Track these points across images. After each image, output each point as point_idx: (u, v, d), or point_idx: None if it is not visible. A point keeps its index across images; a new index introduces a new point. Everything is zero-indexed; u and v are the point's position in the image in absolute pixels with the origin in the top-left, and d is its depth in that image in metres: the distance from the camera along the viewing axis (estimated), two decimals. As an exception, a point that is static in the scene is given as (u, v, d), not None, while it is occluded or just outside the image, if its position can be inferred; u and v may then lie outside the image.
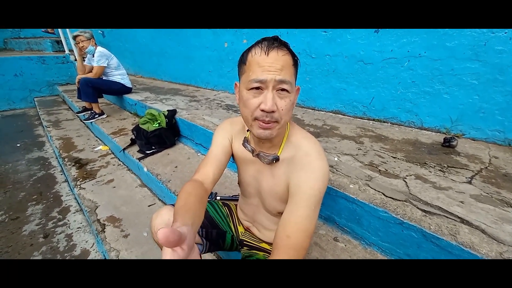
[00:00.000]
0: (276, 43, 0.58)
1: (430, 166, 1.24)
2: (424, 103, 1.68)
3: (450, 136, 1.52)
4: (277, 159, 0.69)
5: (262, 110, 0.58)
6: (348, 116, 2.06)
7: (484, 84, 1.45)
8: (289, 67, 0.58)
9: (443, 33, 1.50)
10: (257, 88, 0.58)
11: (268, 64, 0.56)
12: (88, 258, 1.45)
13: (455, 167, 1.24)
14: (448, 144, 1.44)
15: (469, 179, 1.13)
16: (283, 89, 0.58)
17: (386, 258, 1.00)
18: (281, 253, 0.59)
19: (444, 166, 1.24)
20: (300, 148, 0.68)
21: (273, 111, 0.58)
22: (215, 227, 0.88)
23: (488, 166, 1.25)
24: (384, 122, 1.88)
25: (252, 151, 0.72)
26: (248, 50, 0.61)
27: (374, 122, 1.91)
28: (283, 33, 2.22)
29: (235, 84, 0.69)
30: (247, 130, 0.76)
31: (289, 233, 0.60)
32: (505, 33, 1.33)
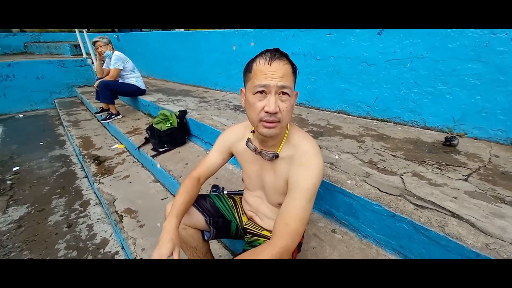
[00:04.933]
0: (277, 54, 0.67)
1: (429, 164, 1.29)
2: (427, 103, 1.71)
3: (451, 135, 1.55)
4: (276, 156, 0.78)
5: (266, 112, 0.67)
6: (352, 116, 2.11)
7: (486, 84, 1.47)
8: (289, 74, 0.67)
9: (445, 35, 1.54)
10: (261, 92, 0.67)
11: (271, 72, 0.65)
12: (106, 247, 1.59)
13: (453, 165, 1.28)
14: (449, 143, 1.48)
15: (466, 177, 1.17)
16: (284, 93, 0.67)
17: (381, 249, 1.06)
18: (279, 239, 0.68)
19: (442, 164, 1.29)
20: (299, 147, 0.76)
21: (276, 112, 0.67)
22: (221, 216, 0.98)
23: (487, 164, 1.29)
24: (387, 121, 1.92)
25: (255, 150, 0.82)
26: (253, 60, 0.70)
27: (377, 121, 1.95)
28: (289, 36, 2.30)
29: (241, 90, 0.78)
30: (251, 132, 0.86)
31: (288, 221, 0.69)
32: (506, 34, 1.35)
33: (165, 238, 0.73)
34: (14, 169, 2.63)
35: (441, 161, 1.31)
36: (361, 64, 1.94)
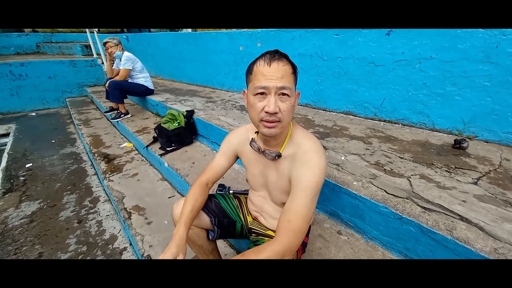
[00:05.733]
0: (277, 55, 0.68)
1: (437, 167, 1.27)
2: (436, 105, 1.69)
3: (461, 138, 1.52)
4: (279, 155, 0.79)
5: (266, 112, 0.68)
6: (359, 117, 2.10)
7: (497, 86, 1.45)
8: (288, 75, 0.68)
9: (455, 35, 1.51)
10: (262, 93, 0.68)
11: (270, 74, 0.66)
12: (114, 243, 1.63)
13: (462, 168, 1.26)
14: (458, 145, 1.45)
15: (475, 180, 1.16)
16: (283, 94, 0.68)
17: (387, 252, 1.06)
18: (282, 236, 0.69)
19: (451, 167, 1.27)
20: (301, 146, 0.77)
21: (275, 113, 0.68)
22: (226, 217, 0.99)
23: (498, 168, 1.26)
24: (395, 123, 1.91)
25: (258, 149, 0.83)
26: (254, 62, 0.72)
27: (385, 123, 1.93)
28: (296, 37, 2.30)
29: (244, 91, 0.80)
30: (256, 132, 0.87)
31: (290, 218, 0.70)
32: (518, 35, 1.33)
33: (171, 244, 0.76)
34: (27, 165, 2.72)
35: (450, 164, 1.30)
36: (369, 65, 1.93)
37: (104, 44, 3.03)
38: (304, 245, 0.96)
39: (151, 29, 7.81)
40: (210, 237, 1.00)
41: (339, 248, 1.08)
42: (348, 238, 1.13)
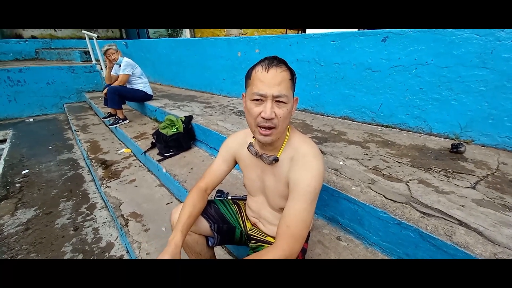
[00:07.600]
0: (275, 61, 0.69)
1: (435, 171, 1.28)
2: (433, 110, 1.71)
3: (458, 142, 1.53)
4: (276, 159, 0.80)
5: (263, 118, 0.69)
6: (356, 122, 2.11)
7: (493, 90, 1.46)
8: (286, 81, 0.69)
9: (450, 41, 1.54)
10: (259, 99, 0.69)
11: (267, 80, 0.67)
12: (111, 251, 1.60)
13: (460, 173, 1.26)
14: (455, 150, 1.46)
15: (473, 185, 1.16)
16: (280, 101, 0.69)
17: (386, 257, 1.05)
18: (282, 241, 0.69)
19: (449, 172, 1.27)
20: (299, 150, 0.77)
21: (272, 118, 0.69)
22: (226, 222, 0.98)
23: (495, 172, 1.27)
24: (392, 128, 1.92)
25: (256, 153, 0.84)
26: (253, 67, 0.73)
27: (382, 128, 1.94)
28: (293, 43, 2.33)
29: (242, 95, 0.80)
30: (253, 137, 0.87)
31: (289, 223, 0.69)
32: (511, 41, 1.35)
33: (166, 251, 0.75)
34: (24, 172, 2.69)
35: (448, 168, 1.30)
36: (366, 71, 1.95)
37: (105, 51, 3.04)
38: (303, 251, 0.95)
39: (149, 30, 7.82)
40: (210, 244, 0.99)
41: (338, 254, 1.07)
42: (347, 244, 1.12)
